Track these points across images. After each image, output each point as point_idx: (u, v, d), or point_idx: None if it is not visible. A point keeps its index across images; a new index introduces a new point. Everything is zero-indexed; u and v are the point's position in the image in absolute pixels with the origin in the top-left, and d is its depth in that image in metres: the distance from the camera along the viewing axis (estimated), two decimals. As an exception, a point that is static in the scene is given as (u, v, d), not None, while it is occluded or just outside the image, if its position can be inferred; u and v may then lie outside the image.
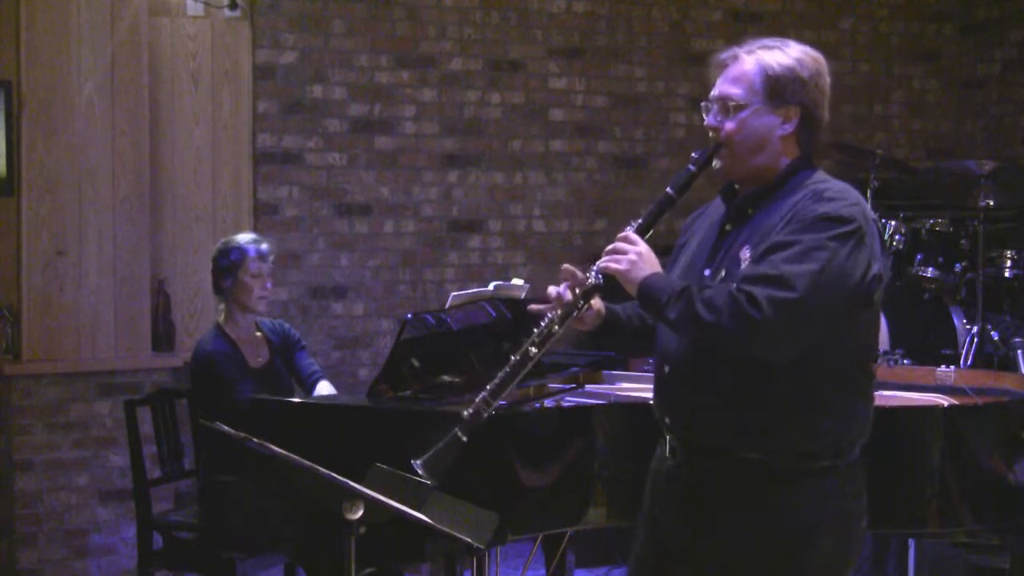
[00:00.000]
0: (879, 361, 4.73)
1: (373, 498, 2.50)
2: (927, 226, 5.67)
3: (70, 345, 5.35)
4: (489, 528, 2.63)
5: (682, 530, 2.67)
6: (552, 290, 2.70)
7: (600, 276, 2.66)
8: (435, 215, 6.22)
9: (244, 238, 4.49)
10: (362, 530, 2.54)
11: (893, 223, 5.71)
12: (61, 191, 5.32)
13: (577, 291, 2.66)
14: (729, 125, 2.63)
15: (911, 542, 4.61)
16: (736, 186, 2.73)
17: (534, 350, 2.65)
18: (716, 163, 2.67)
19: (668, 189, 2.68)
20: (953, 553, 4.77)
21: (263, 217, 5.88)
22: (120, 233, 5.41)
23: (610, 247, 2.65)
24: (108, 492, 5.43)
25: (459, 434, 2.62)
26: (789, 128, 2.62)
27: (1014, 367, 5.19)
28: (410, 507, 2.52)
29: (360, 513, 2.51)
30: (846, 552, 2.64)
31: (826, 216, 2.49)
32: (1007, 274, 5.63)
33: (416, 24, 6.16)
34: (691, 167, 2.68)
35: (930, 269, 5.61)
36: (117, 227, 5.41)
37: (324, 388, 4.49)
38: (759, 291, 2.43)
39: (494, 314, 4.10)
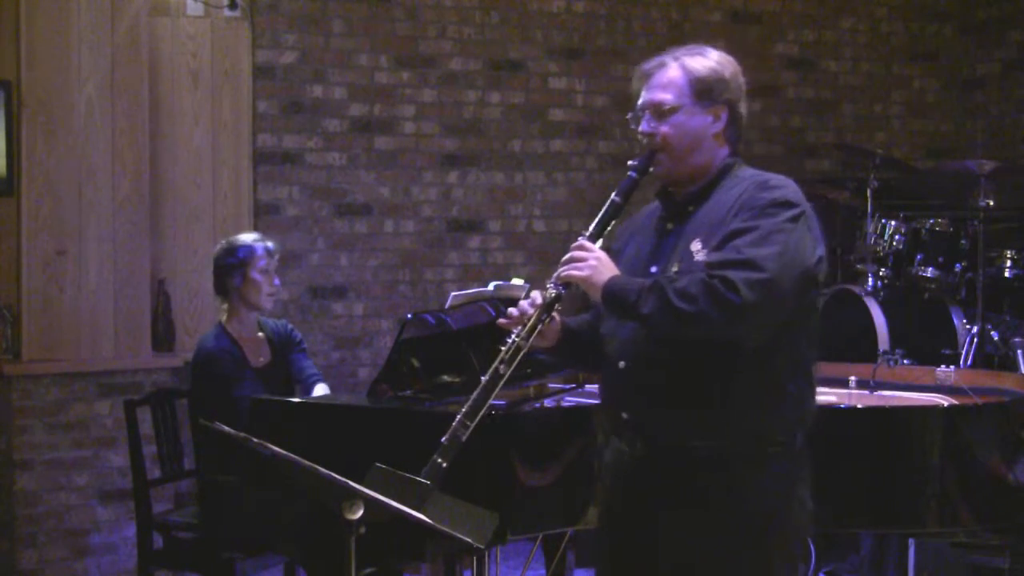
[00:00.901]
0: (879, 361, 4.76)
1: (373, 498, 2.50)
2: (927, 226, 5.67)
3: (70, 345, 5.35)
4: (489, 528, 2.63)
5: (647, 523, 2.70)
6: (513, 310, 2.75)
7: (560, 287, 2.71)
8: (435, 215, 6.22)
9: (249, 237, 4.50)
10: (362, 530, 2.53)
11: (893, 223, 5.71)
12: (61, 191, 5.31)
13: (539, 304, 2.71)
14: (665, 128, 2.74)
15: (911, 542, 4.61)
16: (670, 188, 2.82)
17: (503, 368, 2.70)
18: (653, 167, 2.77)
19: (614, 196, 2.79)
20: (953, 553, 4.77)
21: (263, 217, 5.88)
22: (120, 233, 5.41)
23: (567, 256, 2.72)
24: (108, 492, 5.43)
25: (439, 460, 2.64)
26: (720, 125, 2.75)
27: (1014, 367, 5.19)
28: (410, 507, 2.52)
29: (360, 513, 2.51)
30: (802, 533, 2.73)
31: (776, 202, 2.60)
32: (1007, 274, 5.63)
33: (416, 24, 6.16)
34: (632, 174, 2.78)
35: (930, 269, 5.61)
36: (117, 227, 5.40)
37: (320, 391, 4.48)
38: (733, 274, 2.50)
39: (494, 314, 4.09)
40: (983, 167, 5.41)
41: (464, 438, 2.65)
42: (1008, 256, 5.63)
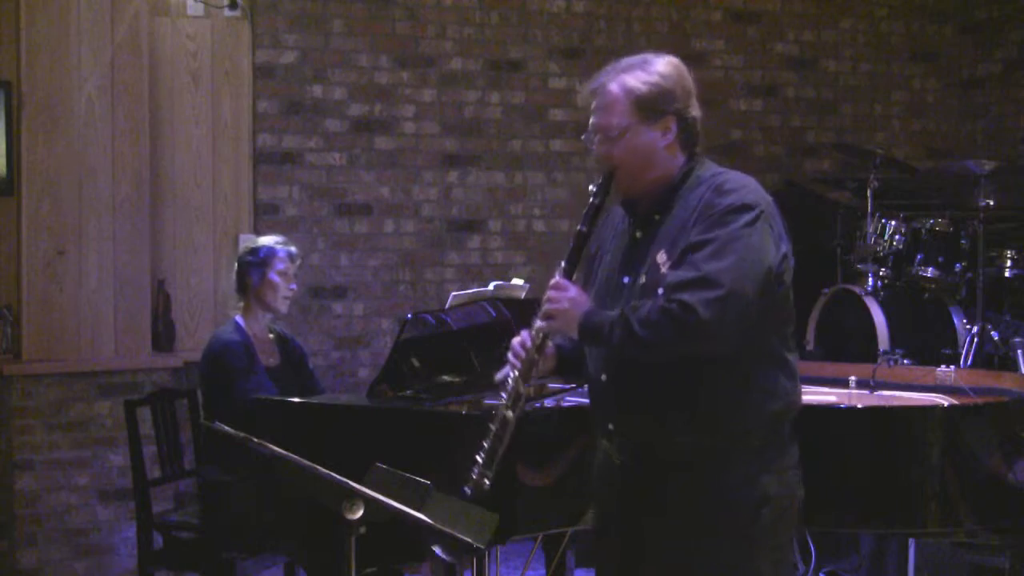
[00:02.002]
0: (879, 361, 4.76)
1: (373, 498, 2.50)
2: (927, 226, 5.66)
3: (70, 345, 5.35)
4: (489, 528, 2.63)
5: (635, 525, 2.75)
6: (514, 343, 2.80)
7: (545, 326, 2.75)
8: (435, 215, 6.22)
9: (273, 239, 4.56)
10: (362, 530, 2.54)
11: (893, 223, 5.71)
12: (61, 191, 5.32)
13: (529, 347, 2.75)
14: (616, 151, 2.77)
15: (911, 542, 4.61)
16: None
17: (509, 414, 2.75)
18: (613, 189, 2.79)
19: (580, 226, 2.80)
20: (953, 553, 4.77)
21: (263, 217, 5.88)
22: (120, 233, 5.41)
23: (545, 296, 2.75)
24: (108, 492, 5.43)
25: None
26: (670, 137, 2.75)
27: (1014, 367, 5.19)
28: (410, 507, 2.52)
29: (360, 513, 2.51)
30: (790, 522, 2.75)
31: (732, 208, 2.61)
32: (1007, 274, 5.63)
33: (416, 24, 6.16)
34: (593, 200, 2.81)
35: (930, 269, 5.61)
36: (117, 227, 5.41)
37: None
38: (688, 296, 2.52)
39: (494, 314, 4.10)
40: (983, 167, 5.41)
41: (487, 486, 2.71)
42: (1008, 256, 5.63)
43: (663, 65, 2.80)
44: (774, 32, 6.84)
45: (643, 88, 2.75)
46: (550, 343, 2.81)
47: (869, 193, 5.73)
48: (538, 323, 2.76)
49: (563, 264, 2.78)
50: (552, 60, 6.41)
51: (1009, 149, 6.74)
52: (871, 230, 5.70)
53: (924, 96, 7.18)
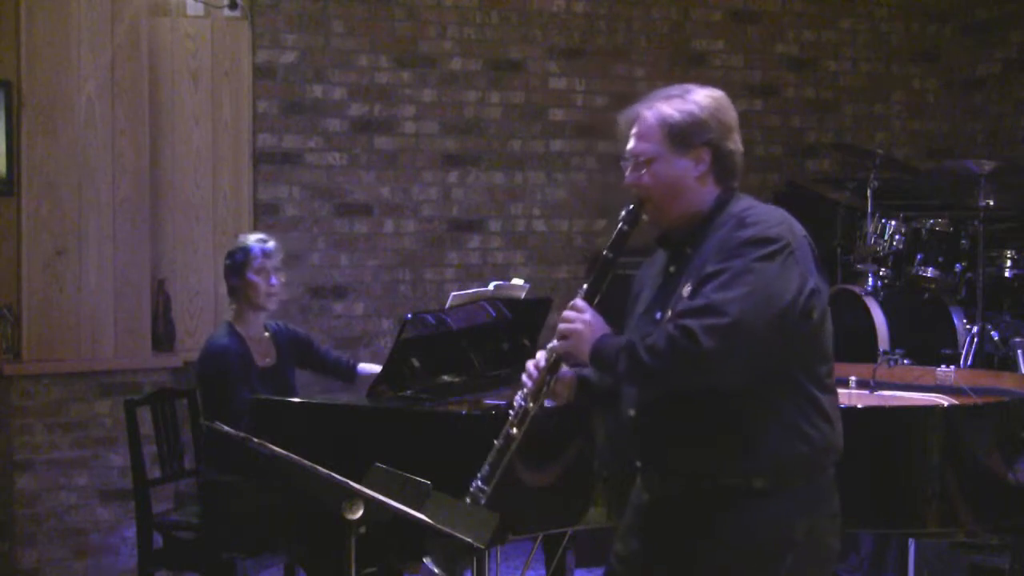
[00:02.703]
0: (879, 361, 4.76)
1: (373, 498, 2.50)
2: (927, 226, 5.67)
3: (70, 345, 5.35)
4: (489, 528, 2.63)
5: (660, 557, 2.71)
6: (529, 365, 2.79)
7: (558, 347, 2.73)
8: (435, 215, 6.23)
9: (251, 238, 4.52)
10: (362, 530, 2.54)
11: (893, 223, 5.71)
12: (61, 191, 5.31)
13: (543, 367, 2.75)
14: (646, 179, 2.72)
15: (911, 542, 4.61)
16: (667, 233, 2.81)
17: (515, 431, 2.73)
18: (645, 216, 2.76)
19: (605, 252, 2.78)
20: (953, 553, 4.77)
21: (263, 217, 5.88)
22: (120, 233, 5.41)
23: (562, 315, 2.73)
24: (108, 492, 5.43)
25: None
26: (703, 168, 2.71)
27: (1014, 367, 5.19)
28: (410, 507, 2.52)
29: (360, 513, 2.51)
30: (815, 570, 2.68)
31: (750, 240, 2.56)
32: (1007, 274, 5.63)
33: (416, 24, 6.16)
34: (623, 226, 2.77)
35: (930, 269, 5.61)
36: (117, 227, 5.40)
37: (367, 366, 4.59)
38: (692, 323, 2.49)
39: (494, 314, 4.10)
40: (983, 167, 5.41)
41: (484, 502, 2.70)
42: (1008, 256, 5.63)
43: (702, 96, 2.75)
44: (774, 32, 6.84)
45: (676, 116, 2.70)
46: (565, 367, 2.79)
47: (869, 193, 5.74)
48: (552, 344, 2.74)
49: (585, 287, 2.76)
50: (552, 60, 6.41)
51: (1009, 149, 6.74)
52: (871, 230, 5.70)
53: (924, 96, 7.19)
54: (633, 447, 2.78)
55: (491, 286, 4.16)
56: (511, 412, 2.75)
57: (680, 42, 6.65)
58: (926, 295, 5.68)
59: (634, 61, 6.54)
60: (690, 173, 2.70)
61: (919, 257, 5.65)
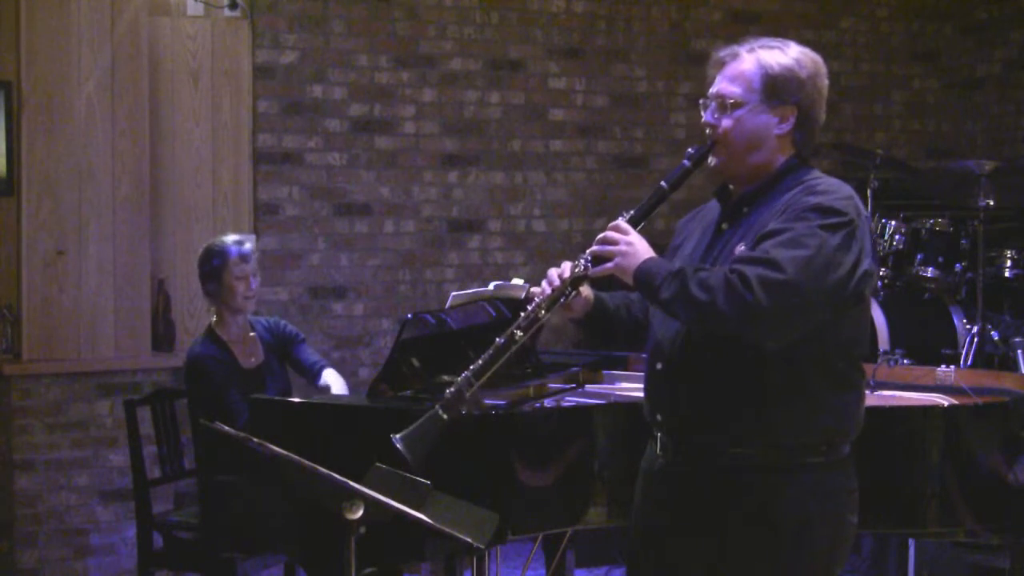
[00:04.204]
0: (879, 361, 4.76)
1: (373, 498, 2.50)
2: (927, 226, 5.67)
3: (70, 345, 5.35)
4: (489, 528, 2.63)
5: (676, 528, 2.68)
6: (551, 272, 2.72)
7: (589, 264, 2.66)
8: (435, 215, 6.23)
9: (226, 240, 4.48)
10: (362, 530, 2.53)
11: (893, 223, 5.71)
12: (61, 191, 5.32)
13: (565, 277, 2.68)
14: (726, 123, 2.64)
15: (911, 542, 4.61)
16: (730, 186, 2.75)
17: (520, 333, 2.67)
18: (712, 160, 2.68)
19: (662, 183, 2.70)
20: (953, 553, 4.77)
21: (263, 217, 5.89)
22: (120, 233, 5.41)
23: (601, 236, 2.67)
24: (108, 492, 5.43)
25: (440, 412, 2.64)
26: (786, 127, 2.63)
27: (1014, 367, 5.19)
28: (410, 507, 2.52)
29: (360, 513, 2.51)
30: (838, 548, 2.65)
31: (818, 206, 2.51)
32: (1007, 274, 5.63)
33: (416, 24, 6.16)
34: (686, 162, 2.69)
35: (930, 269, 5.61)
36: (117, 227, 5.40)
37: (330, 376, 4.48)
38: (750, 271, 2.44)
39: (494, 314, 4.09)
40: (983, 167, 5.41)
41: (468, 395, 2.64)
42: (1008, 256, 5.63)
43: (803, 55, 2.66)
44: (774, 32, 6.79)
45: (776, 67, 2.60)
46: (587, 287, 2.72)
47: (869, 193, 5.73)
48: (582, 260, 2.66)
49: (631, 212, 2.68)
50: (552, 60, 6.41)
51: (1009, 149, 6.74)
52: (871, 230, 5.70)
53: (924, 96, 7.19)
54: (656, 402, 2.72)
55: (491, 286, 4.16)
56: (521, 314, 2.68)
57: (680, 42, 6.65)
58: (926, 295, 5.68)
59: (634, 61, 6.54)
60: (773, 129, 2.63)
61: (919, 257, 5.64)
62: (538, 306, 2.68)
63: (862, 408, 2.67)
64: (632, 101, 6.52)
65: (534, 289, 2.74)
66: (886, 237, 5.71)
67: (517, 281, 4.30)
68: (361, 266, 6.10)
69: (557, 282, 2.68)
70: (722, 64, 2.67)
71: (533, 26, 6.38)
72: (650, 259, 2.60)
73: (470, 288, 4.39)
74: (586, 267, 2.66)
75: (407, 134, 6.16)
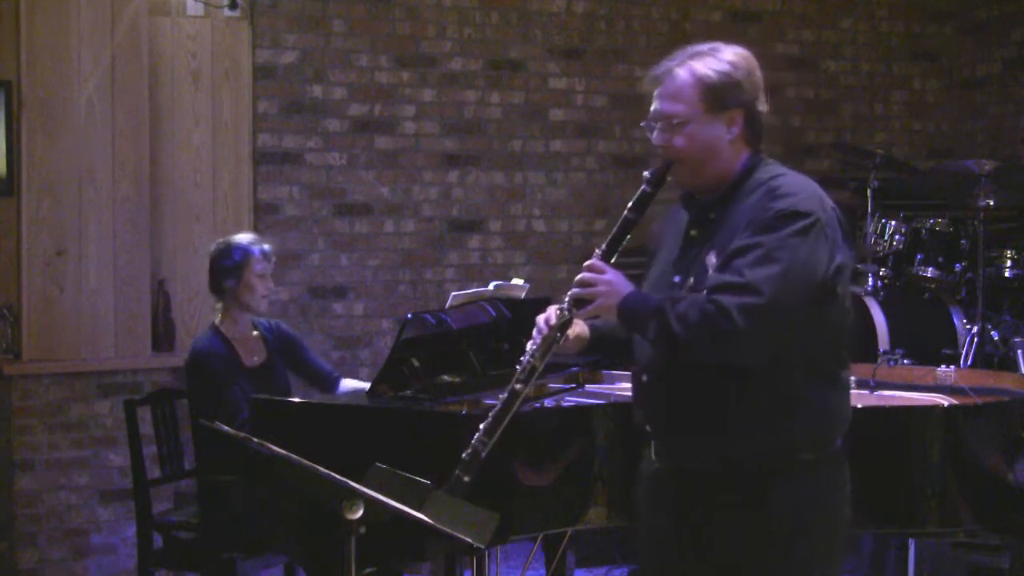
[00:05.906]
0: (879, 361, 4.76)
1: (373, 498, 2.50)
2: (927, 226, 5.67)
3: (70, 345, 5.35)
4: (489, 528, 2.63)
5: (674, 531, 2.70)
6: (539, 319, 2.75)
7: (572, 308, 2.69)
8: (435, 215, 6.22)
9: (246, 238, 4.48)
10: (362, 530, 2.53)
11: (893, 223, 5.71)
12: (61, 191, 5.32)
13: (552, 324, 2.71)
14: (678, 141, 2.65)
15: (911, 542, 4.61)
16: (693, 194, 2.76)
17: (520, 387, 2.70)
18: (671, 178, 2.70)
19: (627, 212, 2.72)
20: (953, 553, 4.77)
21: (263, 217, 5.88)
22: (120, 233, 5.41)
23: (578, 278, 2.69)
24: (108, 492, 5.43)
25: (461, 475, 2.68)
26: (736, 131, 2.65)
27: (1014, 367, 5.19)
28: (410, 507, 2.52)
29: (360, 513, 2.51)
30: (834, 543, 2.67)
31: (782, 213, 2.52)
32: (1007, 274, 5.63)
33: (416, 24, 6.16)
34: (646, 187, 2.72)
35: (930, 269, 5.61)
36: (117, 227, 5.41)
37: (350, 384, 4.54)
38: (728, 300, 2.45)
39: (494, 314, 4.10)
40: (983, 167, 5.41)
41: (484, 454, 2.68)
42: (1008, 256, 5.63)
43: (735, 55, 2.66)
44: (774, 32, 6.84)
45: (713, 77, 2.61)
46: (579, 324, 2.75)
47: (869, 193, 5.73)
48: (563, 304, 2.69)
49: (603, 247, 2.70)
50: (552, 60, 6.41)
51: (1009, 149, 6.74)
52: (871, 230, 5.70)
53: (924, 96, 7.18)
54: (645, 413, 2.75)
55: (491, 286, 4.16)
56: (518, 367, 2.71)
57: (680, 42, 6.55)
58: (926, 295, 5.68)
59: (634, 61, 6.54)
60: (724, 137, 2.63)
61: (919, 257, 5.65)
62: (532, 356, 2.70)
63: (848, 401, 2.69)
64: (632, 101, 6.51)
65: (528, 344, 2.75)
66: (886, 237, 5.71)
67: (517, 281, 4.31)
68: (361, 266, 6.10)
69: (546, 329, 2.71)
70: (658, 82, 2.69)
71: (533, 26, 6.38)
72: (629, 295, 2.62)
73: (470, 288, 4.39)
74: (570, 311, 2.69)
75: (407, 134, 6.16)
